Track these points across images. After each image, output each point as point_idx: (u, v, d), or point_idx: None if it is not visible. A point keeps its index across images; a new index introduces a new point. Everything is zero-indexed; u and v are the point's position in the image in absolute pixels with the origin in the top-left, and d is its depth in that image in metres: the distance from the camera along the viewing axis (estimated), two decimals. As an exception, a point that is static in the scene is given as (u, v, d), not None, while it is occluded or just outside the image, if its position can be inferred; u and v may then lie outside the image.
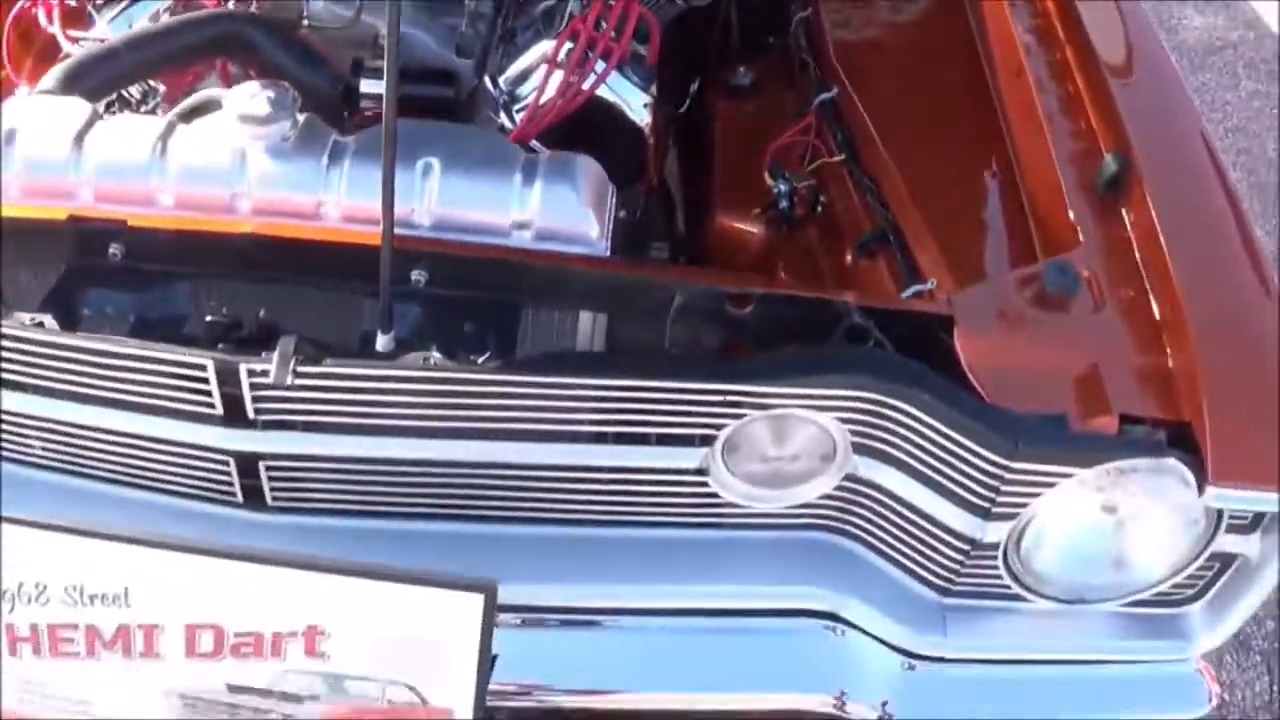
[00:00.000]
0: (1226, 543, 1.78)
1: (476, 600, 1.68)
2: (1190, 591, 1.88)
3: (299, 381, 1.65)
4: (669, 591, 1.84)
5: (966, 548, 1.78)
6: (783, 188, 2.23)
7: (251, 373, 1.67)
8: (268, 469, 1.78)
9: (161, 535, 1.79)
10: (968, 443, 1.69)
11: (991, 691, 1.88)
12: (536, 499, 1.82)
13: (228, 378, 1.67)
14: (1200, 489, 1.65)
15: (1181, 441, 1.67)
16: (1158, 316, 1.81)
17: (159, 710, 1.84)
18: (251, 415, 1.71)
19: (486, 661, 1.73)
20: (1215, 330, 1.77)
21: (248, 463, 1.78)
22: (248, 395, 1.69)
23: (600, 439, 1.77)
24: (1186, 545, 1.77)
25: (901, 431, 1.74)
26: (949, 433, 1.69)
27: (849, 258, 2.12)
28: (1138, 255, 1.89)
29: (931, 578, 1.85)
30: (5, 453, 1.88)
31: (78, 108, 1.88)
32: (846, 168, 2.20)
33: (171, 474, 1.83)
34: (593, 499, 1.83)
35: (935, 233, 1.99)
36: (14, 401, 1.80)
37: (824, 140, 2.27)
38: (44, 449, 1.87)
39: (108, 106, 2.08)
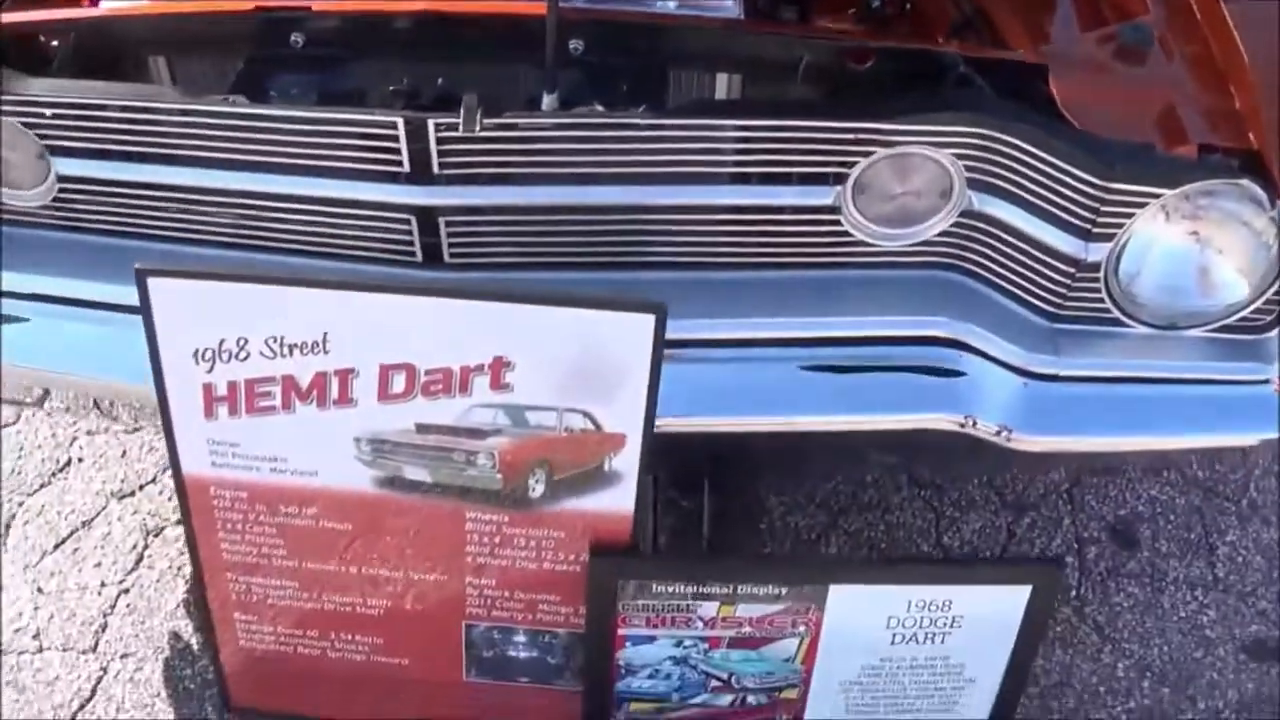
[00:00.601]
0: (1299, 265, 1.96)
1: (648, 321, 1.85)
2: (1269, 319, 2.05)
3: (481, 134, 1.82)
4: (811, 323, 2.01)
5: (1072, 270, 1.96)
6: (875, -13, 2.39)
7: (439, 127, 1.84)
8: (447, 224, 1.95)
9: (361, 278, 1.97)
10: (1070, 168, 1.87)
11: (1098, 408, 2.04)
12: (690, 244, 2.00)
13: (416, 134, 1.85)
14: (1272, 204, 1.84)
15: (1253, 168, 1.86)
16: (1222, 67, 1.99)
17: (349, 459, 2.01)
18: (436, 170, 1.88)
19: (657, 382, 1.90)
20: (1276, 72, 1.96)
21: (429, 219, 1.94)
22: (434, 150, 1.86)
23: (745, 180, 1.95)
24: (1263, 267, 1.95)
25: (1010, 164, 1.91)
26: (1053, 161, 1.87)
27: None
28: (1199, 18, 2.07)
29: (1042, 304, 2.02)
30: (192, 234, 2.04)
31: None
32: None
33: (353, 239, 2.00)
34: (741, 242, 2.00)
35: (1019, 14, 2.16)
36: (206, 178, 1.96)
37: None
38: (230, 226, 2.03)
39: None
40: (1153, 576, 2.67)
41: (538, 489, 2.02)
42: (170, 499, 2.73)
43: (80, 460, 2.83)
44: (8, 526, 2.70)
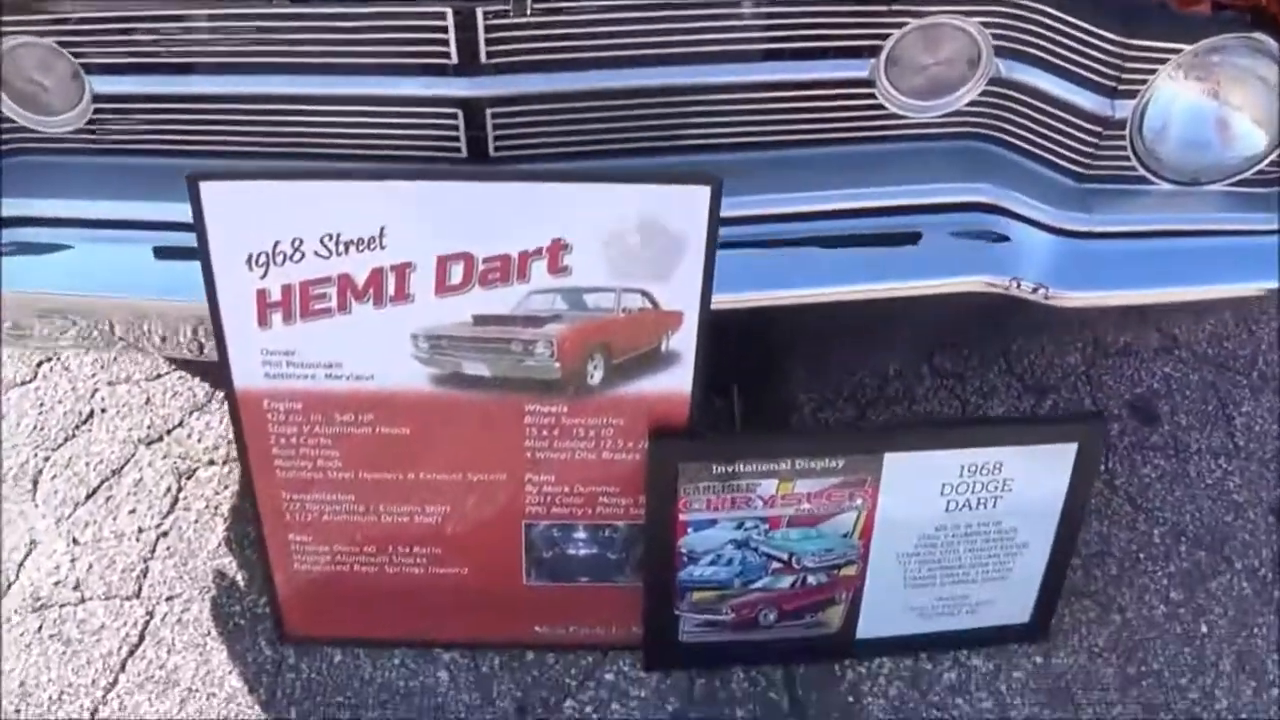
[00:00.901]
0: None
1: (704, 192, 1.88)
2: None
3: (530, 19, 1.84)
4: (855, 195, 2.05)
5: (1099, 129, 2.01)
6: None
7: (487, 15, 1.85)
8: (494, 115, 1.96)
9: (418, 169, 1.98)
10: (1093, 28, 1.92)
11: (1127, 263, 2.09)
12: (731, 124, 2.03)
13: (465, 23, 1.86)
14: None
15: (1264, 22, 1.93)
16: None
17: (406, 358, 2.02)
18: (484, 59, 1.90)
19: (713, 255, 1.92)
20: None
21: (475, 112, 1.96)
22: (482, 39, 1.88)
23: (783, 56, 1.98)
24: (1277, 119, 2.02)
25: (1035, 29, 1.96)
26: (1077, 22, 1.93)
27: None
28: None
29: (1071, 165, 2.07)
30: (232, 147, 2.04)
31: None
32: None
33: (396, 139, 2.00)
34: (781, 120, 2.03)
35: None
36: (248, 84, 1.97)
37: None
38: (271, 134, 2.03)
39: None
40: (1176, 448, 2.73)
41: (596, 375, 2.04)
42: (200, 440, 2.73)
43: (103, 411, 2.81)
44: (35, 482, 2.68)
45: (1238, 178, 2.08)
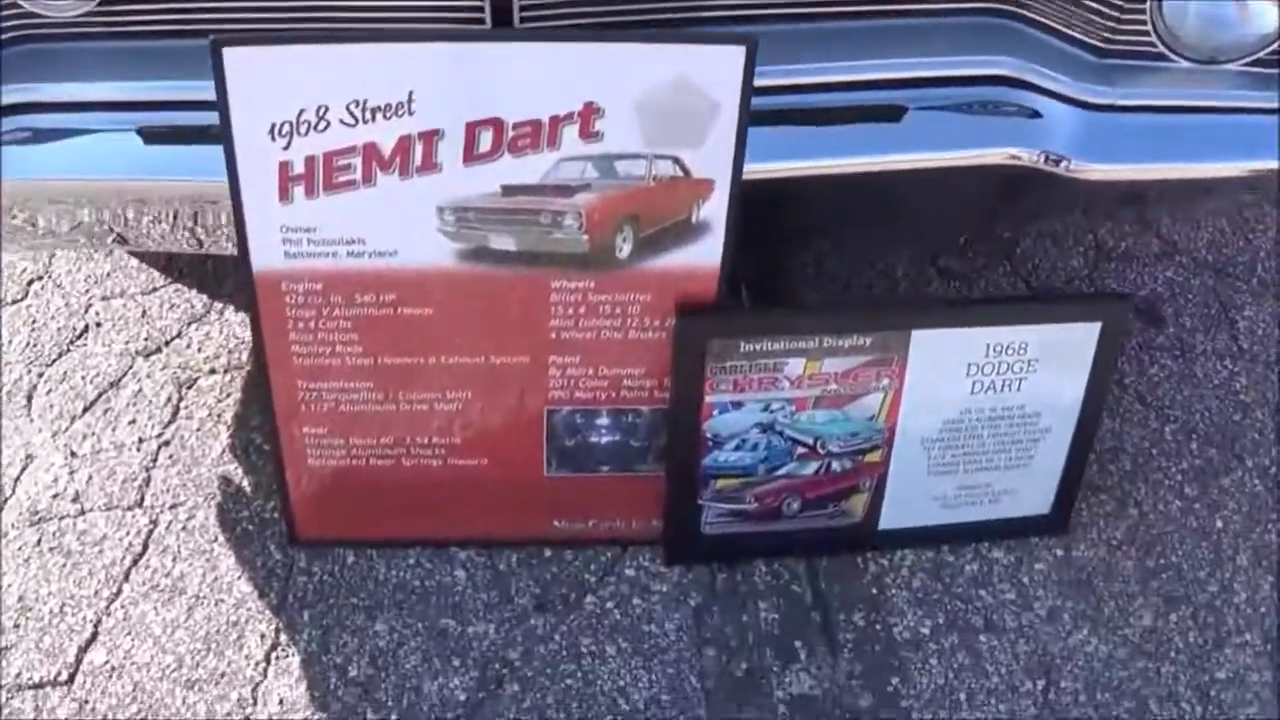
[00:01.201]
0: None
1: (739, 52, 1.86)
2: (1291, 51, 2.14)
3: None
4: (881, 65, 2.04)
5: (1121, 2, 2.02)
6: None
7: None
8: (520, -14, 1.94)
9: (447, 29, 1.94)
10: None
11: (1145, 136, 2.11)
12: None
13: None
14: None
15: None
16: None
17: (430, 232, 1.98)
18: None
19: (746, 119, 1.90)
20: None
21: None
22: None
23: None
24: None
25: (1057, -100, 1.98)
26: None
27: None
28: None
29: (1094, 40, 2.07)
30: (245, 26, 1.99)
31: None
32: None
33: (417, 11, 1.96)
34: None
35: None
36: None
37: None
38: (286, 11, 1.98)
39: None
40: (1182, 349, 2.74)
41: (624, 248, 2.01)
42: (200, 350, 2.68)
43: (99, 325, 2.75)
44: (29, 397, 2.61)
45: (1253, 57, 2.09)
